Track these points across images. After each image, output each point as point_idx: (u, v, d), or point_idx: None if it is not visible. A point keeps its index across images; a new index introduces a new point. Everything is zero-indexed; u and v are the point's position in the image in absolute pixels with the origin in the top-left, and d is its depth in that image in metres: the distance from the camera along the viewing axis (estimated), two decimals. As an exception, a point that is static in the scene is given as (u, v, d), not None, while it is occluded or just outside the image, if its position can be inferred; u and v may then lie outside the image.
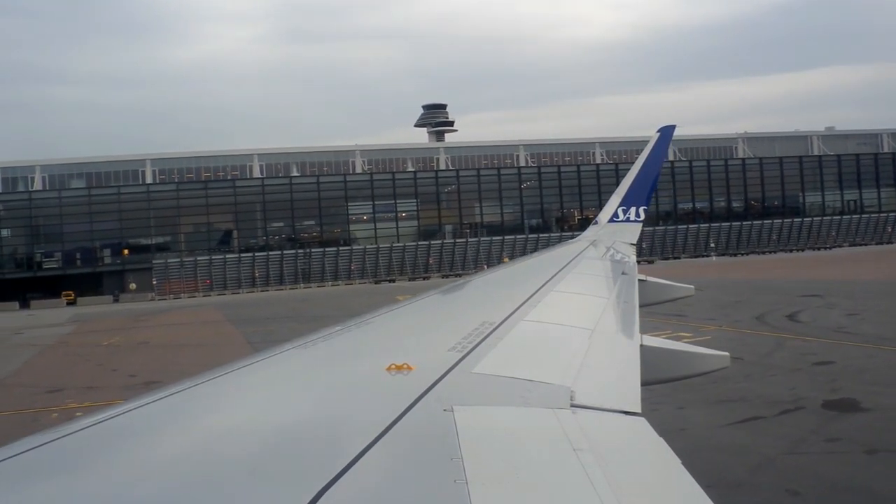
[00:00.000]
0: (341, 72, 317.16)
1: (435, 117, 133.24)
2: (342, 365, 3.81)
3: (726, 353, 4.98)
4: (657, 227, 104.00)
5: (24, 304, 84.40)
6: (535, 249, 69.83)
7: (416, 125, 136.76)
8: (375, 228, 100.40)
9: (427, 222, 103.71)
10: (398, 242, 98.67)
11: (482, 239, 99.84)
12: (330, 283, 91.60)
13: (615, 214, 13.63)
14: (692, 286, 10.61)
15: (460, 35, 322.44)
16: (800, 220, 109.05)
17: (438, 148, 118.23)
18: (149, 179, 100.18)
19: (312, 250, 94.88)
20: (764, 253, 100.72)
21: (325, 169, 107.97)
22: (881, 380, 17.32)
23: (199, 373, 3.22)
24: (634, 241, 12.66)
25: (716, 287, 46.29)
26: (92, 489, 2.05)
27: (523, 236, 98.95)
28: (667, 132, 14.55)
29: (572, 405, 2.79)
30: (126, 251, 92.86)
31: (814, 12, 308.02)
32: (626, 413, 2.82)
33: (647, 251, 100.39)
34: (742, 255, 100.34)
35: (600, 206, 15.01)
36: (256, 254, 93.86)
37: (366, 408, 2.77)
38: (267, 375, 3.46)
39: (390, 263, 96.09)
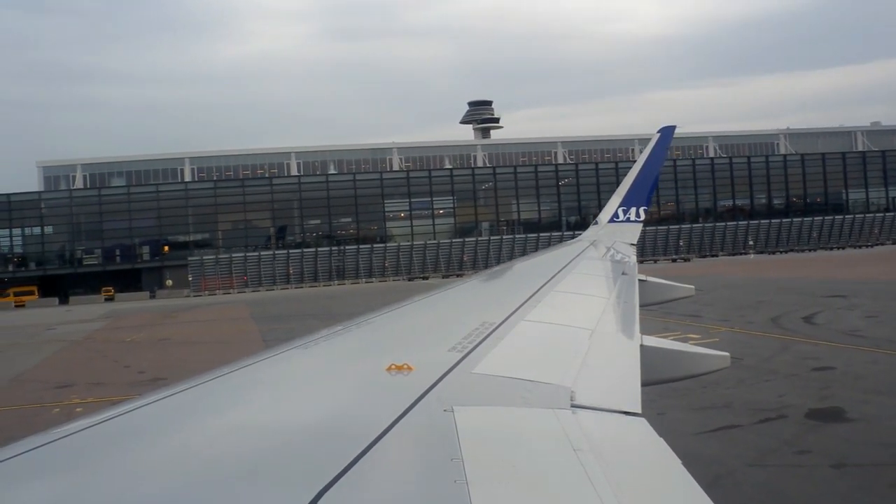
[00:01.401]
0: (387, 69, 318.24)
1: (480, 114, 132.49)
2: (342, 365, 3.83)
3: (726, 354, 4.95)
4: (695, 225, 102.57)
5: (64, 300, 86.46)
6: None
7: (462, 122, 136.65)
8: (412, 225, 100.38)
9: (464, 219, 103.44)
10: (434, 240, 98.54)
11: (517, 236, 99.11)
12: (364, 280, 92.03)
13: (615, 214, 13.46)
14: (692, 286, 10.47)
15: (507, 31, 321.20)
16: (842, 217, 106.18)
17: (476, 145, 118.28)
18: (187, 177, 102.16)
19: (347, 247, 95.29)
20: (804, 251, 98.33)
21: (363, 166, 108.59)
22: (875, 388, 16.70)
23: (204, 370, 3.24)
24: (635, 242, 12.52)
25: (741, 286, 45.50)
26: (92, 489, 2.05)
27: (559, 233, 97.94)
28: (667, 132, 14.33)
29: (572, 405, 2.79)
30: (166, 248, 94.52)
31: (860, 5, 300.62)
32: (627, 413, 2.82)
33: (685, 249, 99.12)
34: (781, 252, 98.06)
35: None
36: (292, 251, 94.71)
37: (366, 408, 2.78)
38: (267, 375, 3.47)
39: (425, 260, 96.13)
